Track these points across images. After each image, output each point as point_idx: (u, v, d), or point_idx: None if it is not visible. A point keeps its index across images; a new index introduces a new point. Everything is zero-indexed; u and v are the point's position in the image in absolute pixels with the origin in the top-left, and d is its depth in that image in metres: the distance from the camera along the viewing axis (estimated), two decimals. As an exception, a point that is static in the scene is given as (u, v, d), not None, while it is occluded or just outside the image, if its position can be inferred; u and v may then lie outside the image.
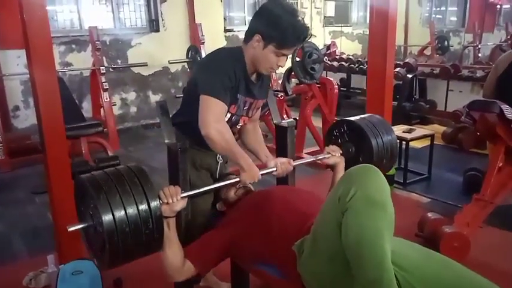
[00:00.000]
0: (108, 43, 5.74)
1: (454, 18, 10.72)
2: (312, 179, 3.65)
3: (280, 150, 1.97)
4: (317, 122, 4.48)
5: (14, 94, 5.20)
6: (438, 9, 10.56)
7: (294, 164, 1.78)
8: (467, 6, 10.28)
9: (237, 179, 1.65)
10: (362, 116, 2.05)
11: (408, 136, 3.86)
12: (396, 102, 5.35)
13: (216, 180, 1.89)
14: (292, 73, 4.11)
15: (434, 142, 3.97)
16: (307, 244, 1.33)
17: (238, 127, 1.86)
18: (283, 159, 1.77)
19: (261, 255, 1.53)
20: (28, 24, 2.08)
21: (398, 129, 4.04)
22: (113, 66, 5.60)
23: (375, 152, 1.88)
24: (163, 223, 1.35)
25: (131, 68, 5.95)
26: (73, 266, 2.16)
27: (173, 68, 6.28)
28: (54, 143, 2.22)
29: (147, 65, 5.79)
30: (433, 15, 10.26)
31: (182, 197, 1.45)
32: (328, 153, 1.87)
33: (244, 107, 1.78)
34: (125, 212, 1.23)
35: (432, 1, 10.21)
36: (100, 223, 1.21)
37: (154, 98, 6.24)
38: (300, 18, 1.62)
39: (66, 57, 5.46)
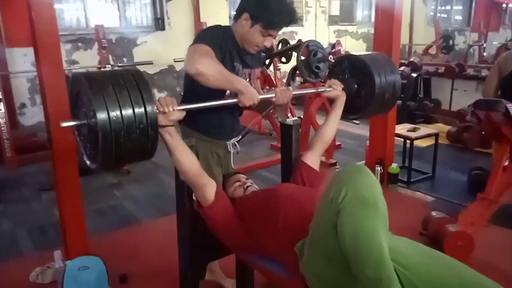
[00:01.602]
0: (114, 41, 5.77)
1: (459, 17, 10.68)
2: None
3: (285, 149, 1.97)
4: (321, 121, 4.47)
5: (20, 92, 5.24)
6: (443, 8, 10.52)
7: (294, 93, 1.77)
8: (473, 5, 10.23)
9: (235, 100, 1.61)
10: (366, 52, 2.03)
11: (413, 135, 3.86)
12: (401, 101, 5.34)
13: (226, 174, 1.91)
14: (297, 72, 4.11)
15: (439, 141, 3.98)
16: (306, 245, 1.33)
17: None
18: (283, 87, 1.76)
19: (266, 253, 1.54)
20: (36, 23, 2.10)
21: (403, 128, 4.04)
22: (118, 65, 5.59)
23: (377, 85, 1.82)
24: (164, 133, 1.37)
25: (137, 66, 5.96)
26: (79, 262, 2.17)
27: (178, 67, 6.29)
28: (61, 139, 2.23)
29: (152, 64, 5.80)
30: (438, 14, 10.21)
31: (179, 110, 1.43)
32: (330, 86, 1.86)
33: (246, 78, 1.82)
34: (119, 106, 1.20)
35: (437, 0, 10.16)
36: (94, 116, 1.19)
37: (159, 96, 6.24)
38: (287, 1, 1.69)
39: (72, 55, 5.49)
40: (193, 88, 1.68)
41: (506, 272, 2.26)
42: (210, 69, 1.54)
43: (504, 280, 1.23)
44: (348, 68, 1.95)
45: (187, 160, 1.50)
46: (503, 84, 2.99)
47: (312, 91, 1.93)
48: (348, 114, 1.92)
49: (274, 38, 1.83)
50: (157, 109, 1.32)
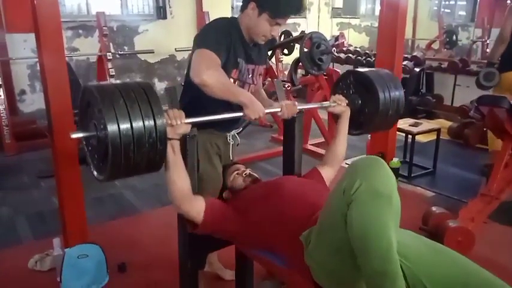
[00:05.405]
0: (115, 29, 5.73)
1: (463, 13, 10.60)
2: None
3: (288, 141, 1.96)
4: (323, 114, 4.46)
5: (20, 78, 5.21)
6: (447, 3, 10.43)
7: (299, 107, 1.75)
8: (477, 0, 10.16)
9: (241, 114, 1.61)
10: (370, 68, 2.03)
11: (414, 130, 3.85)
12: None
13: (225, 164, 1.90)
14: (300, 64, 4.08)
15: (440, 137, 3.96)
16: (313, 235, 1.32)
17: None
18: (289, 101, 1.73)
19: (268, 245, 1.53)
20: (38, 8, 2.07)
21: (404, 123, 4.03)
22: (119, 53, 5.59)
23: (381, 102, 1.83)
24: (168, 147, 1.35)
25: (138, 55, 5.95)
26: (78, 250, 2.17)
27: (179, 56, 6.26)
28: (62, 127, 2.22)
29: (153, 52, 5.78)
30: (442, 9, 10.13)
31: (186, 123, 1.44)
32: (334, 101, 1.87)
33: (249, 74, 1.82)
34: (130, 119, 1.22)
35: (441, -5, 10.09)
36: (104, 128, 1.21)
37: (160, 85, 6.23)
38: None
39: (73, 42, 5.46)
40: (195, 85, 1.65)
41: (506, 268, 2.26)
42: (215, 81, 1.56)
43: (503, 275, 1.22)
44: (353, 84, 1.96)
45: (181, 180, 1.48)
46: None
47: (317, 106, 1.96)
48: (351, 129, 1.94)
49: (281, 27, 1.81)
50: (165, 121, 1.33)
